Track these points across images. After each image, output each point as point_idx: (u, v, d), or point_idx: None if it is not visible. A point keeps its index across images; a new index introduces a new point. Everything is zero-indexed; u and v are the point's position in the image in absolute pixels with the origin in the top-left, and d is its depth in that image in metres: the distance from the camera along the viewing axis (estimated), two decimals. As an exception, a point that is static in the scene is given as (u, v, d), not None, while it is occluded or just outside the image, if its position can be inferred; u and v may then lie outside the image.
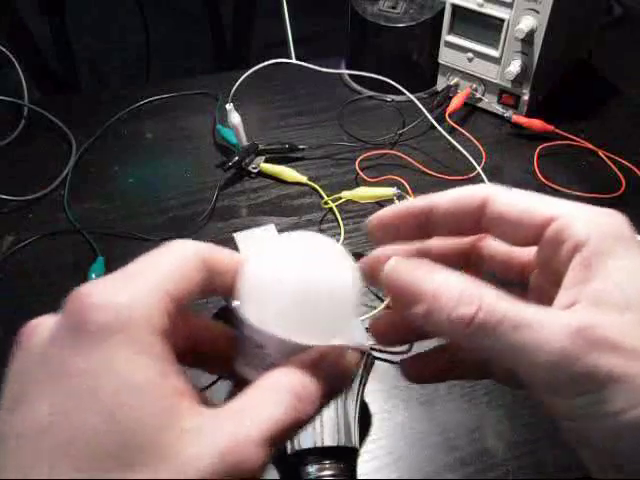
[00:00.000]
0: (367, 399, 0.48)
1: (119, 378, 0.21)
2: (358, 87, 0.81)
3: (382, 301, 0.55)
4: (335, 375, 0.25)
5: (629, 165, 0.68)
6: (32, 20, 1.17)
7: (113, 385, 0.20)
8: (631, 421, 0.22)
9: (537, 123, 0.73)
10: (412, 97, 0.73)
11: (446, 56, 0.76)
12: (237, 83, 0.71)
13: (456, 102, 0.74)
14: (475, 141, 0.71)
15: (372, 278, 0.28)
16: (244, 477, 0.21)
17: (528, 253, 0.29)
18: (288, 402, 0.23)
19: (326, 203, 0.64)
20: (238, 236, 0.52)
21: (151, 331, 0.22)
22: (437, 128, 0.71)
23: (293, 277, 0.25)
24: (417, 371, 0.31)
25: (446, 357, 0.30)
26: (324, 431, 0.40)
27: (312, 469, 0.40)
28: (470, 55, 0.74)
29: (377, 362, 0.51)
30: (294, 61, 0.78)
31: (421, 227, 0.28)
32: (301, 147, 0.71)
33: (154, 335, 0.22)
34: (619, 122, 0.76)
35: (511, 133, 0.75)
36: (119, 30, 1.65)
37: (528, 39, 0.68)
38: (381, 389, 0.50)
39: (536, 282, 0.29)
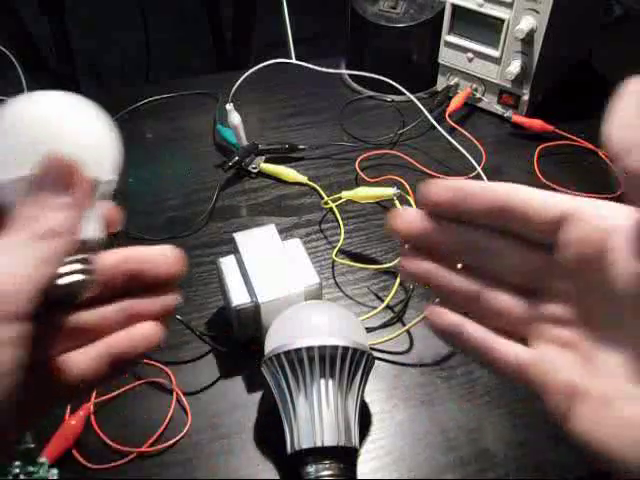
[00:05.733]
0: (367, 399, 0.48)
1: None
2: (358, 87, 0.81)
3: (382, 301, 0.55)
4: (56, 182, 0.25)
5: (629, 165, 0.68)
6: (32, 20, 1.17)
7: None
8: None
9: (537, 123, 0.73)
10: (412, 97, 0.73)
11: (446, 56, 0.76)
12: (237, 83, 0.71)
13: (456, 102, 0.74)
14: (475, 141, 0.71)
15: None
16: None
17: None
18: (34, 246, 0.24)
19: (326, 203, 0.64)
20: (238, 236, 0.52)
21: None
22: (437, 128, 0.71)
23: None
24: None
25: None
26: (324, 431, 0.40)
27: (312, 469, 0.40)
28: (470, 55, 0.74)
29: (377, 362, 0.51)
30: (294, 61, 0.78)
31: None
32: (301, 147, 0.71)
33: None
34: None
35: (511, 133, 0.75)
36: (119, 30, 1.66)
37: (528, 39, 0.68)
38: (381, 389, 0.50)
39: None
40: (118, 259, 0.29)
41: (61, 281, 0.25)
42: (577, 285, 0.28)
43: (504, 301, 0.31)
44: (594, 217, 0.27)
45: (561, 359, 0.29)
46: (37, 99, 0.27)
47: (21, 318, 0.23)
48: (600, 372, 0.27)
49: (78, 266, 0.26)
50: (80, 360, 0.28)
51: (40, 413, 0.28)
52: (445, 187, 0.31)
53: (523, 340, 0.31)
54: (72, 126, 0.27)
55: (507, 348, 0.31)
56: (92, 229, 0.27)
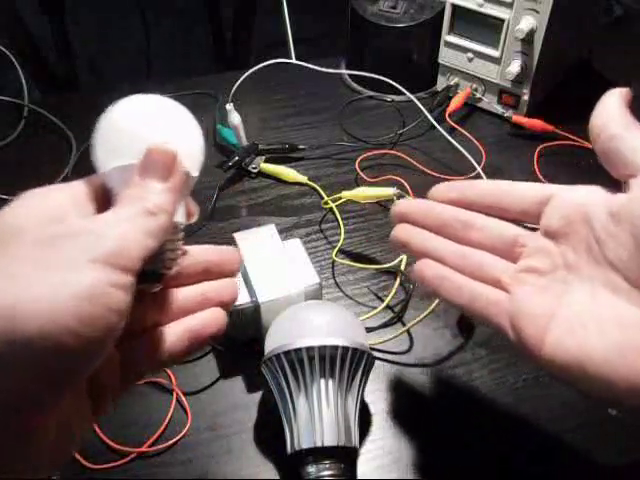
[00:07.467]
0: (367, 399, 0.48)
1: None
2: (358, 87, 0.81)
3: (382, 301, 0.55)
4: (165, 172, 0.29)
5: (629, 165, 0.68)
6: (32, 20, 1.17)
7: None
8: None
9: (537, 123, 0.73)
10: (412, 97, 0.73)
11: (446, 56, 0.76)
12: (237, 83, 0.71)
13: (456, 102, 0.74)
14: (475, 141, 0.71)
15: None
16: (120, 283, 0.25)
17: None
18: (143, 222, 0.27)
19: (326, 203, 0.64)
20: (238, 236, 0.52)
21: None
22: (437, 128, 0.71)
23: (113, 118, 0.31)
24: None
25: None
26: (324, 431, 0.40)
27: (312, 469, 0.40)
28: (470, 55, 0.74)
29: (377, 362, 0.51)
30: (294, 61, 0.78)
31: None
32: (301, 147, 0.71)
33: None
34: None
35: (511, 133, 0.75)
36: (119, 30, 1.65)
37: (528, 39, 0.68)
38: (381, 389, 0.50)
39: None
40: (196, 251, 0.34)
41: (161, 255, 0.29)
42: (558, 241, 0.35)
43: (486, 257, 0.37)
44: (573, 192, 0.35)
45: (537, 296, 0.34)
46: (140, 100, 0.31)
47: (131, 274, 0.26)
48: (574, 303, 0.33)
49: (171, 244, 0.30)
50: (168, 334, 0.32)
51: (127, 385, 0.31)
52: (459, 189, 0.39)
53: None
54: (171, 124, 0.31)
55: (487, 290, 0.36)
56: (181, 215, 0.31)
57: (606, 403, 0.32)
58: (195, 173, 0.32)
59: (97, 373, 0.28)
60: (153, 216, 0.27)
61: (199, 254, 0.34)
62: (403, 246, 0.41)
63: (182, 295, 0.33)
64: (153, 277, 0.30)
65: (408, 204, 0.41)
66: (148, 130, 0.30)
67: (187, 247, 0.32)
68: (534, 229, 0.37)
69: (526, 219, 0.37)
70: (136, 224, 0.27)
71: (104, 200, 0.30)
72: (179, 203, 0.30)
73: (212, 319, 0.33)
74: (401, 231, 0.41)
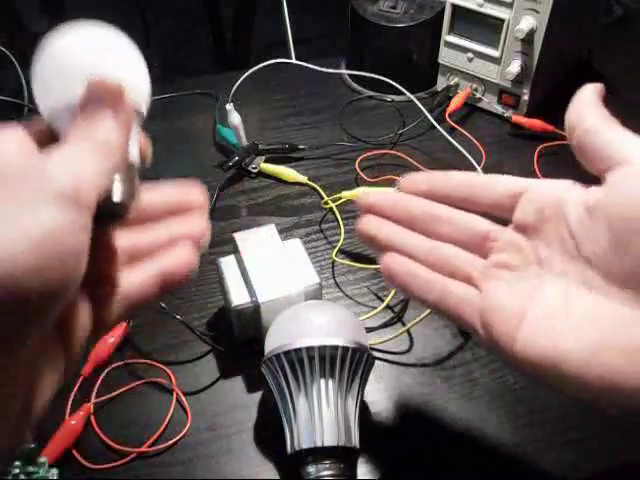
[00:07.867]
0: (367, 399, 0.48)
1: None
2: (358, 87, 0.81)
3: (382, 301, 0.55)
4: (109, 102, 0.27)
5: (629, 165, 0.68)
6: (32, 20, 1.17)
7: None
8: None
9: (537, 123, 0.73)
10: (412, 97, 0.73)
11: (446, 56, 0.76)
12: (237, 83, 0.71)
13: (456, 102, 0.74)
14: (475, 141, 0.71)
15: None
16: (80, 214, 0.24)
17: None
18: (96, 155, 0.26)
19: (326, 203, 0.64)
20: (238, 236, 0.52)
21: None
22: (437, 128, 0.71)
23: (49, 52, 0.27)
24: None
25: None
26: (324, 431, 0.40)
27: (312, 469, 0.40)
28: (470, 55, 0.74)
29: (377, 362, 0.51)
30: (294, 61, 0.78)
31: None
32: (301, 147, 0.71)
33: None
34: (618, 122, 0.76)
35: (511, 133, 0.75)
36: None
37: (528, 39, 0.68)
38: (381, 389, 0.50)
39: None
40: (158, 189, 0.32)
41: (114, 196, 0.27)
42: (530, 236, 0.34)
43: (456, 252, 0.36)
44: (547, 186, 0.34)
45: (508, 293, 0.33)
46: (79, 31, 0.28)
47: (88, 211, 0.24)
48: (546, 299, 0.32)
49: (127, 181, 0.27)
50: (133, 279, 0.30)
51: (93, 336, 0.30)
52: (427, 179, 0.38)
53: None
54: (115, 55, 0.28)
55: (458, 287, 0.35)
56: (133, 154, 0.28)
57: (582, 403, 0.32)
58: (143, 109, 0.29)
59: (67, 319, 0.27)
60: (105, 152, 0.26)
61: (161, 192, 0.32)
62: (369, 239, 0.38)
63: (149, 234, 0.31)
64: (111, 215, 0.28)
65: (375, 195, 0.39)
66: (90, 62, 0.27)
67: (148, 185, 0.31)
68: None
69: (498, 212, 0.36)
70: (89, 161, 0.25)
71: (50, 143, 0.27)
72: (130, 141, 0.28)
73: (183, 257, 0.31)
74: (367, 223, 0.38)
